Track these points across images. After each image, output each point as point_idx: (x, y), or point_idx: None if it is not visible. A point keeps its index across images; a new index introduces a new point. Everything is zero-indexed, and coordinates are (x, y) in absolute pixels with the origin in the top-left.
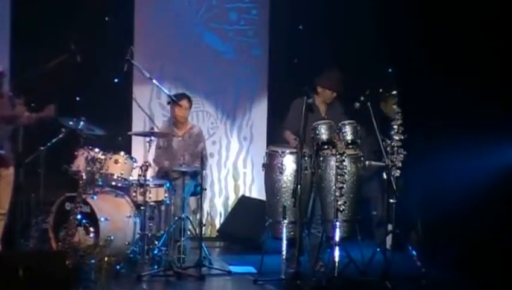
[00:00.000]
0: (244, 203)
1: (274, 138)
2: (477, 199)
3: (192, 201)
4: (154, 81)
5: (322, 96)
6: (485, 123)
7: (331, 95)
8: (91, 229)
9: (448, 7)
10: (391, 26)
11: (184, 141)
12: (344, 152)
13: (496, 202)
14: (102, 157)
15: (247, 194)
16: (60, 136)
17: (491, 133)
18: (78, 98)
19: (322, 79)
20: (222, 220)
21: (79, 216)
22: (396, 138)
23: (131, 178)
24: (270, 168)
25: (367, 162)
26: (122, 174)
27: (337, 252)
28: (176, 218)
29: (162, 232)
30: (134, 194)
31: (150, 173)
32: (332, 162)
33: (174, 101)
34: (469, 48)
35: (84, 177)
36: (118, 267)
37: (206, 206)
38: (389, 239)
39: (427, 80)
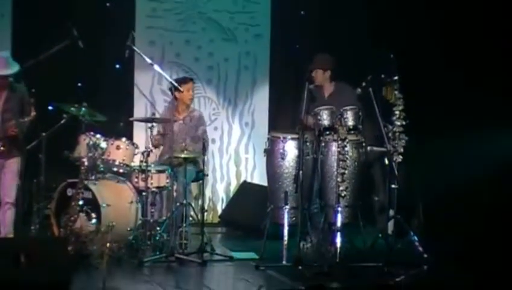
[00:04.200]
0: (245, 189)
1: (276, 123)
2: (480, 184)
3: (194, 187)
4: (155, 67)
5: (316, 79)
6: (488, 109)
7: (323, 75)
8: (93, 215)
9: None
10: (393, 11)
11: (185, 124)
12: (346, 138)
13: (498, 187)
14: (104, 143)
15: (248, 180)
16: (62, 122)
17: (494, 119)
18: (79, 84)
19: (311, 62)
20: (224, 206)
21: (81, 202)
22: (398, 123)
23: (133, 164)
24: (272, 154)
25: (369, 148)
26: (124, 160)
27: (338, 238)
28: (178, 204)
29: (164, 218)
30: (136, 180)
31: (151, 159)
32: (334, 148)
33: (178, 89)
34: (473, 32)
35: (85, 163)
36: (119, 253)
37: (207, 192)
38: (390, 225)
39: (428, 66)
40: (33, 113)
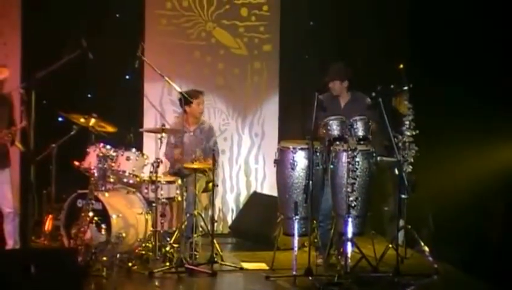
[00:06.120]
0: (255, 199)
1: (285, 133)
2: (489, 194)
3: (204, 197)
4: (165, 78)
5: (334, 90)
6: (498, 119)
7: (340, 86)
8: (103, 226)
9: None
10: (402, 22)
11: (195, 136)
12: (356, 148)
13: (508, 196)
14: (114, 154)
15: (258, 191)
16: (72, 133)
17: (504, 128)
18: (89, 95)
19: (327, 73)
20: (234, 216)
21: (91, 213)
22: (408, 133)
23: (142, 175)
24: (282, 164)
25: (379, 158)
26: (133, 171)
27: (349, 248)
28: (188, 215)
29: (174, 228)
30: (146, 190)
31: (161, 170)
32: (344, 158)
33: (189, 101)
34: (482, 42)
35: (95, 174)
36: (129, 264)
37: (217, 203)
38: (401, 235)
39: (438, 76)
40: (24, 122)
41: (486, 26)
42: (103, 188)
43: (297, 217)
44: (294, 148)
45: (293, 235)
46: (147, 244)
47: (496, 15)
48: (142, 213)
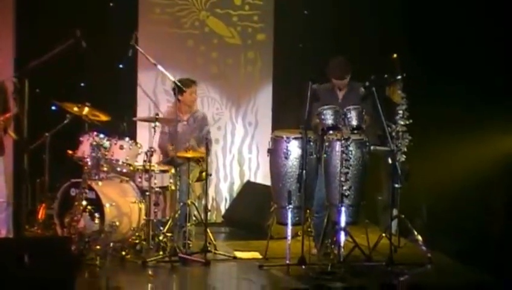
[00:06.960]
0: (249, 188)
1: (279, 123)
2: (483, 184)
3: (197, 187)
4: (159, 66)
5: (336, 85)
6: (492, 109)
7: (342, 82)
8: (96, 215)
9: None
10: (396, 10)
11: (189, 125)
12: (349, 137)
13: (502, 186)
14: (107, 143)
15: (252, 180)
16: (65, 121)
17: (498, 119)
18: (82, 84)
19: (328, 69)
20: (227, 205)
21: (84, 202)
22: (402, 123)
23: (136, 164)
24: (275, 154)
25: (372, 147)
26: (127, 159)
27: (342, 237)
28: (181, 204)
29: (167, 218)
30: (139, 179)
31: (155, 159)
32: (338, 147)
33: (182, 90)
34: (475, 33)
35: (89, 163)
36: (123, 253)
37: (211, 192)
38: (394, 224)
39: (432, 65)
40: (15, 108)
41: (485, 21)
42: (96, 177)
43: (290, 206)
44: (287, 138)
45: (286, 224)
46: (140, 233)
47: (491, 9)
48: (135, 202)
